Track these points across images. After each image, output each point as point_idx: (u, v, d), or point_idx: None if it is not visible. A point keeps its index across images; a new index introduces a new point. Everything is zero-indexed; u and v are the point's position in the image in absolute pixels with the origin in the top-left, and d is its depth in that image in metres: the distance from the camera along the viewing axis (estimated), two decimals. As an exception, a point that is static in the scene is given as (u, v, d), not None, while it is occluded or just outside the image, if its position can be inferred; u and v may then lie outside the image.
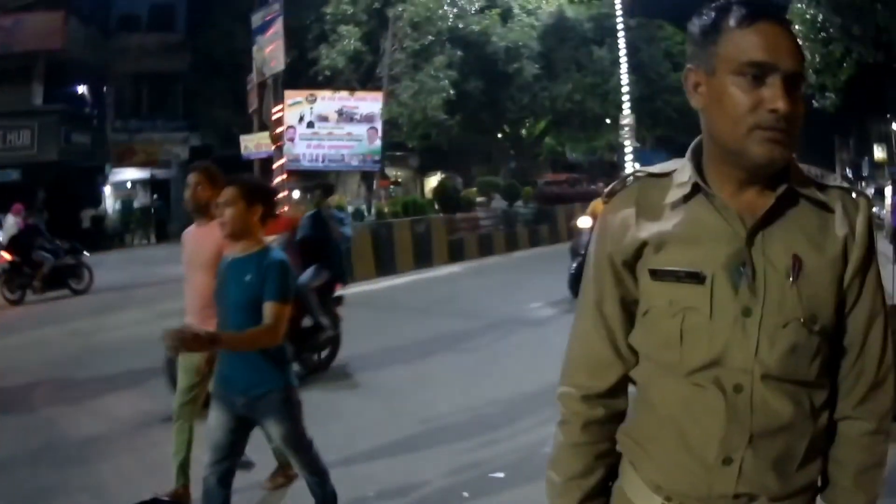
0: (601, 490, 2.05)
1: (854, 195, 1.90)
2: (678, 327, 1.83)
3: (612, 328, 1.97)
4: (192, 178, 5.59)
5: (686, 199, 1.87)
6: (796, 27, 19.57)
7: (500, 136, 38.31)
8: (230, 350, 4.31)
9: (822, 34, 19.78)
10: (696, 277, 1.80)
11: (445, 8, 28.73)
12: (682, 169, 1.92)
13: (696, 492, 1.86)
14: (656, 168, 1.99)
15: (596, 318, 1.99)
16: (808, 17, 19.72)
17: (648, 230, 1.88)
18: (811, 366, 1.82)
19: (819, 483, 1.97)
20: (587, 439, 2.01)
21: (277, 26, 19.56)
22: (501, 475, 6.08)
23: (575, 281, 13.70)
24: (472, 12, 30.38)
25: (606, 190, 2.02)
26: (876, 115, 69.46)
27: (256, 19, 20.63)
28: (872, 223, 1.90)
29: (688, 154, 1.94)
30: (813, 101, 20.93)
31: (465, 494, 5.83)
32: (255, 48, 20.53)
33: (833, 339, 1.89)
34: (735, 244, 1.80)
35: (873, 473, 1.95)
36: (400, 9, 27.74)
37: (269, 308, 4.14)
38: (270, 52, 19.85)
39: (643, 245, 1.88)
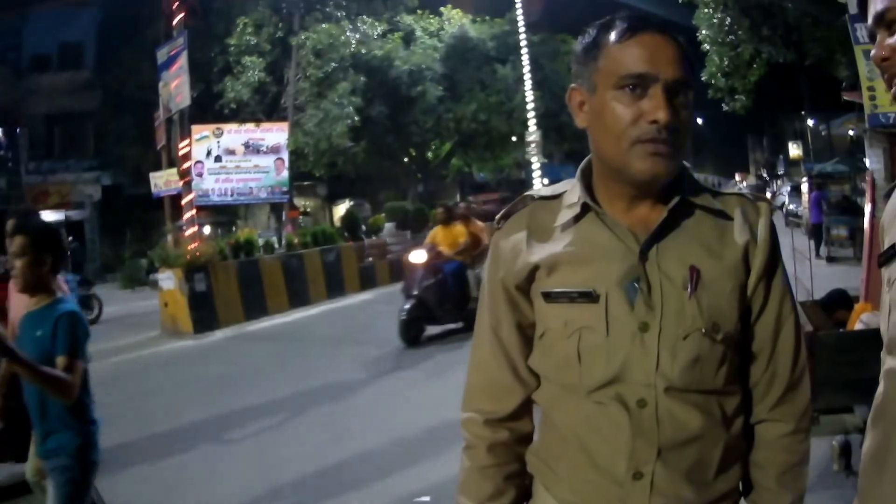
0: None
1: (754, 200, 1.97)
2: (575, 347, 1.87)
3: (510, 353, 2.02)
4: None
5: (577, 219, 1.92)
6: (703, 32, 20.35)
7: (406, 160, 38.71)
8: (27, 379, 3.93)
9: (731, 37, 20.18)
10: (589, 297, 1.85)
11: (348, 34, 29.32)
12: (571, 190, 1.98)
13: None
14: (546, 191, 2.04)
15: (494, 344, 2.04)
16: (714, 21, 20.11)
17: (540, 253, 1.93)
18: (717, 374, 1.87)
19: (742, 488, 2.06)
20: (494, 461, 2.06)
21: (182, 61, 19.81)
22: (427, 499, 6.30)
23: (407, 327, 13.33)
24: (375, 37, 30.96)
25: (498, 216, 2.08)
26: (790, 112, 71.58)
27: (162, 54, 20.84)
28: (774, 227, 1.97)
29: (577, 174, 1.99)
30: (722, 105, 21.64)
31: None
32: (161, 84, 20.74)
33: (741, 346, 1.96)
34: (628, 260, 1.84)
35: (796, 472, 2.03)
36: (303, 37, 28.23)
37: (59, 363, 3.86)
38: (176, 86, 20.09)
39: (535, 268, 1.93)
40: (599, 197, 1.92)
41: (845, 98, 19.17)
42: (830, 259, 22.69)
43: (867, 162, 12.70)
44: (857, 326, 6.76)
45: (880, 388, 1.76)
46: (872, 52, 1.62)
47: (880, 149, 11.97)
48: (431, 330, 13.75)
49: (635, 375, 1.82)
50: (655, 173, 1.78)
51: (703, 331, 1.81)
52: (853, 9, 12.34)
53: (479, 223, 15.01)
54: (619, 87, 1.78)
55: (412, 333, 13.29)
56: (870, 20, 1.61)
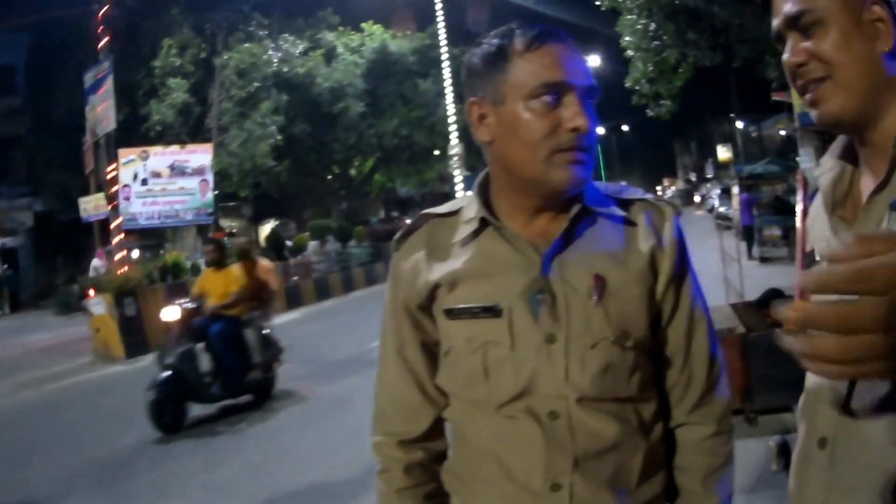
0: None
1: (659, 205, 2.00)
2: (481, 363, 1.87)
3: (417, 373, 2.03)
4: None
5: (475, 234, 1.92)
6: (626, 38, 20.62)
7: (329, 177, 39.45)
8: None
9: (655, 43, 20.31)
10: (491, 311, 1.85)
11: (270, 53, 30.13)
12: (469, 205, 1.98)
13: None
14: (444, 208, 2.05)
15: (400, 365, 2.05)
16: (638, 27, 20.27)
17: (440, 271, 1.94)
18: (630, 382, 1.89)
19: (667, 493, 2.08)
20: (412, 482, 2.06)
21: (108, 84, 20.12)
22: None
23: (158, 409, 9.71)
24: (297, 55, 31.76)
25: (396, 236, 2.09)
26: (718, 115, 73.18)
27: (89, 78, 21.12)
28: (682, 231, 1.99)
29: (474, 189, 1.99)
30: (647, 111, 21.75)
31: None
32: (87, 108, 21.01)
33: (653, 352, 1.98)
34: (530, 273, 1.85)
35: (722, 474, 2.05)
36: (226, 57, 28.82)
37: None
38: (102, 110, 20.36)
39: (436, 287, 1.93)
40: (499, 211, 1.94)
41: (775, 99, 19.88)
42: (764, 260, 23.43)
43: (799, 161, 13.68)
44: None
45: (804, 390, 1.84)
46: (784, 56, 1.62)
47: (811, 147, 12.74)
48: (201, 409, 10.54)
49: (545, 388, 1.84)
50: (576, 181, 1.82)
51: (612, 339, 1.84)
52: None
53: (266, 263, 12.14)
54: (533, 97, 1.79)
55: (167, 418, 9.79)
56: (778, 21, 1.64)
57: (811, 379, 1.78)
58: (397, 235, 2.09)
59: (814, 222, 1.88)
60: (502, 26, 1.90)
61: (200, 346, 10.40)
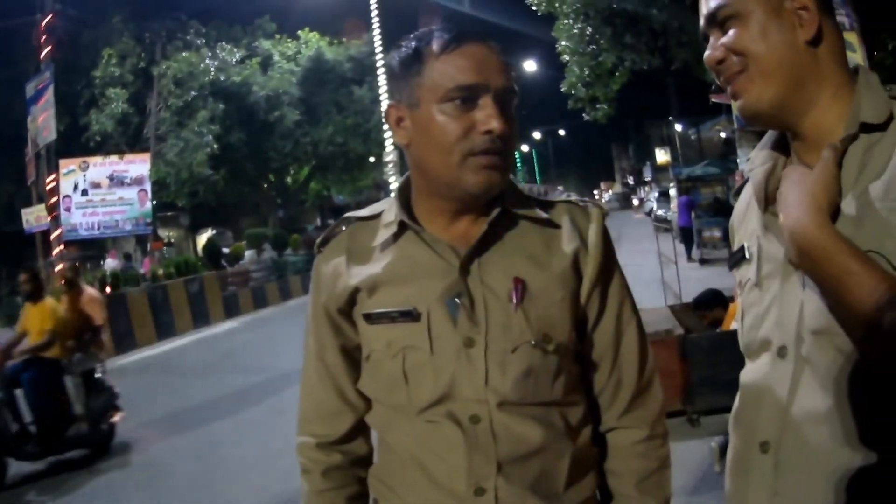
0: None
1: (584, 206, 2.01)
2: (401, 368, 1.88)
3: (336, 377, 2.05)
4: None
5: (395, 237, 1.94)
6: (563, 43, 20.78)
7: (265, 185, 39.71)
8: None
9: (592, 47, 20.47)
10: (410, 315, 1.86)
11: (207, 62, 30.42)
12: (389, 208, 1.99)
13: None
14: (365, 211, 2.06)
15: (320, 369, 2.07)
16: (575, 31, 20.43)
17: (359, 275, 1.94)
18: (554, 386, 1.90)
19: (601, 497, 2.10)
20: (332, 485, 2.08)
21: (49, 94, 20.35)
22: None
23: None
24: (234, 63, 32.15)
25: (318, 240, 2.10)
26: (656, 118, 73.68)
27: (30, 88, 21.34)
28: (607, 233, 1.99)
29: (394, 193, 2.01)
30: (583, 114, 21.96)
31: None
32: (29, 118, 21.18)
33: (579, 356, 2.00)
34: (449, 276, 1.86)
35: (657, 478, 2.05)
36: (164, 66, 29.08)
37: None
38: (43, 120, 20.58)
39: (356, 291, 1.94)
40: (419, 214, 1.95)
41: (714, 101, 19.18)
42: (704, 261, 23.78)
43: (739, 162, 14.30)
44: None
45: (738, 393, 1.87)
46: (706, 54, 1.65)
47: (750, 148, 13.35)
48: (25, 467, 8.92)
49: (465, 392, 1.85)
50: (490, 185, 1.82)
51: (533, 342, 1.85)
52: None
53: (92, 292, 10.60)
54: (447, 99, 1.79)
55: None
56: (702, 21, 1.67)
57: (748, 382, 1.83)
58: (319, 239, 2.10)
59: (743, 218, 1.94)
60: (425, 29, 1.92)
61: (7, 395, 8.64)
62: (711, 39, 1.68)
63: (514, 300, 1.86)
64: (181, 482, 8.16)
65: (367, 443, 2.14)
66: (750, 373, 1.84)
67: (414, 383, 1.89)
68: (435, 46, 1.83)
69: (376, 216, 2.03)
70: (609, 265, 2.01)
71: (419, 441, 1.92)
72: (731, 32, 1.63)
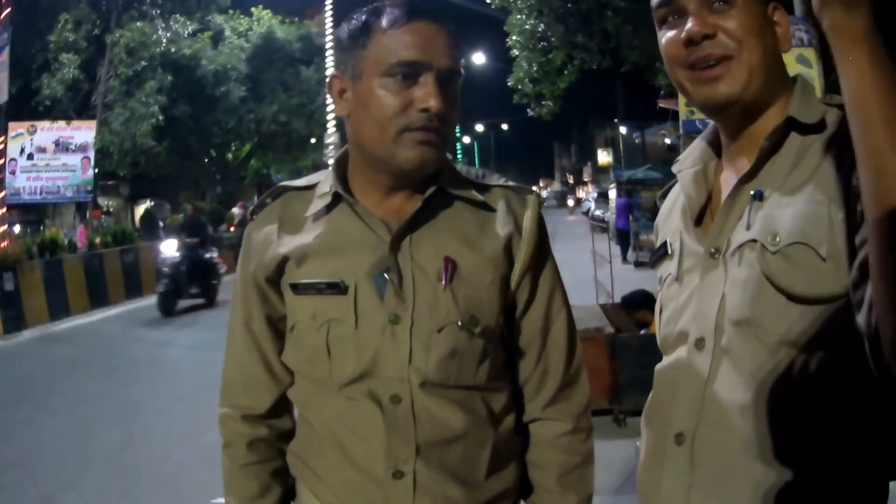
0: None
1: (520, 193, 2.04)
2: (324, 340, 1.90)
3: (262, 347, 2.06)
4: None
5: (329, 209, 1.97)
6: (514, 38, 21.19)
7: (207, 160, 39.73)
8: None
9: (543, 44, 20.84)
10: (337, 288, 1.88)
11: (160, 33, 30.47)
12: (325, 180, 2.03)
13: None
14: (301, 181, 2.10)
15: (246, 338, 2.08)
16: (527, 27, 20.83)
17: (289, 245, 1.96)
18: (479, 370, 1.92)
19: (523, 488, 2.13)
20: (256, 458, 2.09)
21: (4, 56, 20.06)
22: (221, 500, 7.20)
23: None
24: (186, 36, 32.17)
25: (251, 207, 2.13)
26: (601, 119, 73.40)
27: None
28: (542, 221, 2.02)
29: (332, 164, 2.03)
30: (528, 110, 22.24)
31: None
32: None
33: (505, 341, 2.04)
34: (379, 251, 1.88)
35: (580, 473, 2.08)
36: (117, 35, 29.10)
37: None
38: None
39: (285, 260, 1.96)
40: (354, 188, 1.98)
41: (661, 106, 20.37)
42: (639, 264, 24.21)
43: None
44: None
45: (653, 387, 1.91)
46: (689, 25, 1.66)
47: None
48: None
49: (387, 370, 1.87)
50: (423, 161, 1.86)
51: (460, 324, 1.87)
52: None
53: None
54: (388, 74, 1.82)
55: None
56: None
57: (663, 375, 1.88)
58: (252, 207, 2.12)
59: (667, 216, 2.01)
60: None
61: None
62: (694, 16, 1.69)
63: (443, 280, 1.88)
64: (102, 451, 8.24)
65: (292, 418, 2.14)
66: (665, 366, 1.91)
67: (336, 357, 1.91)
68: (384, 21, 1.86)
69: (311, 187, 2.06)
70: (542, 253, 2.03)
71: (339, 419, 1.94)
72: (730, 14, 1.66)
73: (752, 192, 1.68)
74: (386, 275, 1.87)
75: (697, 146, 1.94)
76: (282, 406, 2.12)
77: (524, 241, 1.97)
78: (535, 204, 2.01)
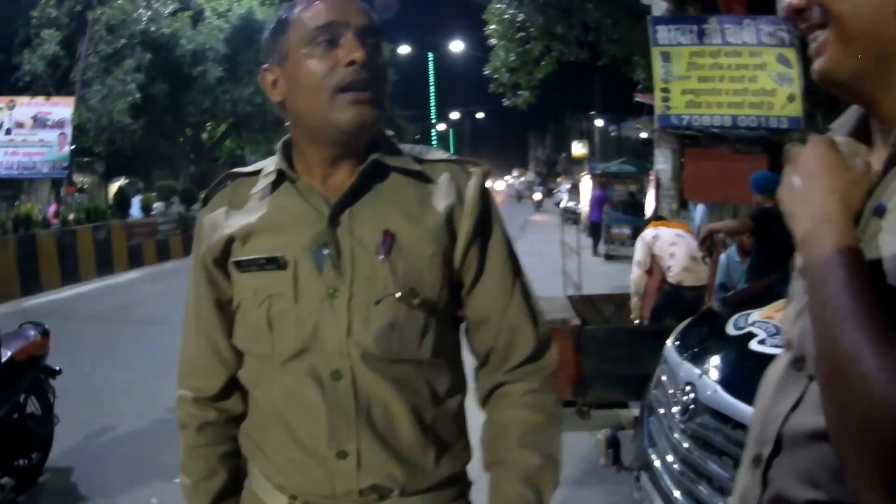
0: (231, 490, 2.19)
1: (464, 164, 2.07)
2: (265, 315, 1.94)
3: (210, 332, 2.11)
4: None
5: (274, 187, 2.02)
6: (492, 27, 21.18)
7: (181, 139, 39.84)
8: None
9: (521, 34, 20.78)
10: (276, 263, 1.92)
11: (141, 11, 30.46)
12: (270, 163, 2.07)
13: (319, 489, 1.95)
14: (249, 168, 2.14)
15: (196, 323, 2.13)
16: (506, 16, 20.78)
17: (235, 225, 2.00)
18: (422, 344, 1.95)
19: (483, 462, 2.14)
20: (205, 441, 2.15)
21: None
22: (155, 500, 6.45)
23: None
24: (166, 15, 32.13)
25: (202, 194, 2.17)
26: (577, 111, 71.86)
27: None
28: (487, 192, 2.04)
29: (278, 147, 2.08)
30: (504, 99, 22.22)
31: (154, 501, 6.39)
32: None
33: (454, 318, 2.08)
34: (319, 226, 1.92)
35: (543, 433, 2.06)
36: (99, 12, 28.97)
37: None
38: None
39: (231, 240, 2.00)
40: (298, 168, 2.03)
41: (637, 100, 20.47)
42: (609, 257, 24.44)
43: (655, 162, 13.95)
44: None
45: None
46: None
47: (669, 150, 13.47)
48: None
49: (327, 343, 1.90)
50: (362, 121, 1.89)
51: (398, 296, 1.89)
52: (657, 11, 13.60)
53: None
54: (310, 42, 1.89)
55: None
56: None
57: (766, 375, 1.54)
58: (203, 194, 2.16)
59: None
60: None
61: None
62: None
63: (382, 253, 1.90)
64: (67, 428, 8.00)
65: (243, 401, 2.16)
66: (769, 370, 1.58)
67: (278, 332, 1.94)
68: (297, 7, 1.94)
69: (258, 171, 2.10)
70: (487, 223, 2.04)
71: (283, 397, 1.97)
72: None
73: (873, 207, 1.35)
74: (325, 249, 1.92)
75: (844, 124, 1.59)
76: (231, 389, 2.15)
77: (466, 212, 1.99)
78: (479, 174, 2.04)
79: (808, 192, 1.34)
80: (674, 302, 9.24)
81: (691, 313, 8.10)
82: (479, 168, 2.06)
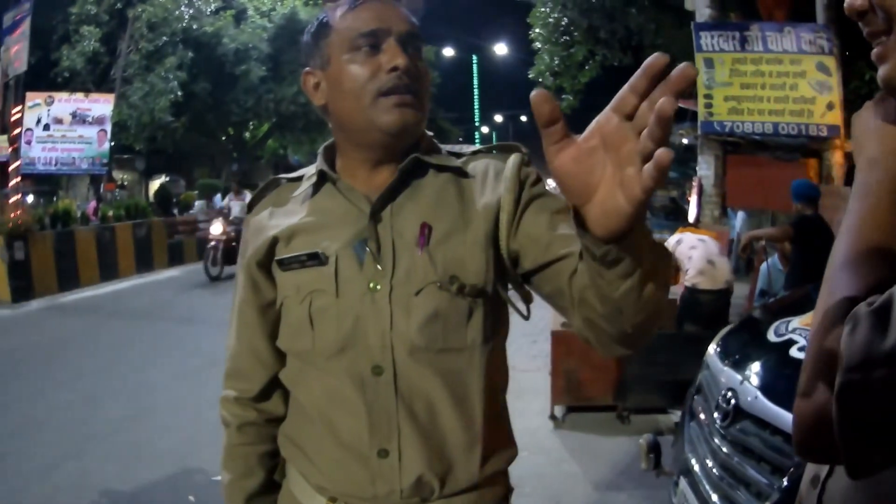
0: (267, 489, 2.22)
1: (503, 151, 2.10)
2: (307, 312, 1.95)
3: (251, 336, 2.14)
4: None
5: (316, 189, 2.04)
6: (537, 30, 21.32)
7: (224, 138, 39.83)
8: None
9: (565, 38, 21.08)
10: (317, 258, 1.94)
11: (182, 9, 30.42)
12: (313, 167, 2.10)
13: (361, 491, 1.94)
14: (293, 174, 2.19)
15: (238, 325, 2.17)
16: (550, 20, 21.02)
17: (279, 227, 2.03)
18: (468, 329, 1.93)
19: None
20: (244, 441, 2.18)
21: (25, 26, 20.52)
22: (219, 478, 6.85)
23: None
24: (208, 13, 32.22)
25: (248, 201, 2.22)
26: None
27: (7, 18, 21.42)
28: (526, 167, 2.02)
29: (320, 151, 2.11)
30: None
31: (192, 499, 6.38)
32: (2, 48, 21.33)
33: (496, 300, 1.99)
34: (360, 222, 1.94)
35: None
36: (139, 9, 29.00)
37: None
38: (16, 52, 20.80)
39: (275, 241, 2.03)
40: (340, 171, 2.04)
41: (680, 106, 21.74)
42: None
43: (698, 169, 14.23)
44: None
45: None
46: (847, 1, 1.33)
47: (712, 156, 13.65)
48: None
49: (369, 337, 1.90)
50: (404, 122, 1.90)
51: (439, 284, 1.88)
52: (700, 17, 13.69)
53: None
54: (353, 48, 1.91)
55: None
56: None
57: None
58: (249, 200, 2.21)
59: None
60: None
61: None
62: None
63: (420, 243, 1.91)
64: (105, 423, 8.31)
65: (284, 403, 2.19)
66: None
67: (319, 328, 1.96)
68: (339, 9, 1.96)
69: (302, 176, 2.15)
70: (536, 191, 1.98)
71: (325, 395, 1.98)
72: None
73: None
74: (365, 243, 1.93)
75: None
76: (271, 391, 2.17)
77: (506, 189, 1.96)
78: (517, 158, 2.03)
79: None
80: (690, 306, 9.34)
81: (710, 318, 8.88)
82: (517, 153, 2.05)
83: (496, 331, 2.01)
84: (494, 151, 2.11)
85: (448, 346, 1.92)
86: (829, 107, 12.20)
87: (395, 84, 1.88)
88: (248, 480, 2.20)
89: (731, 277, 9.36)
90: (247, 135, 41.14)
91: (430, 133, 2.12)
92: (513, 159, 2.01)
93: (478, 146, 2.14)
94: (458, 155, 2.09)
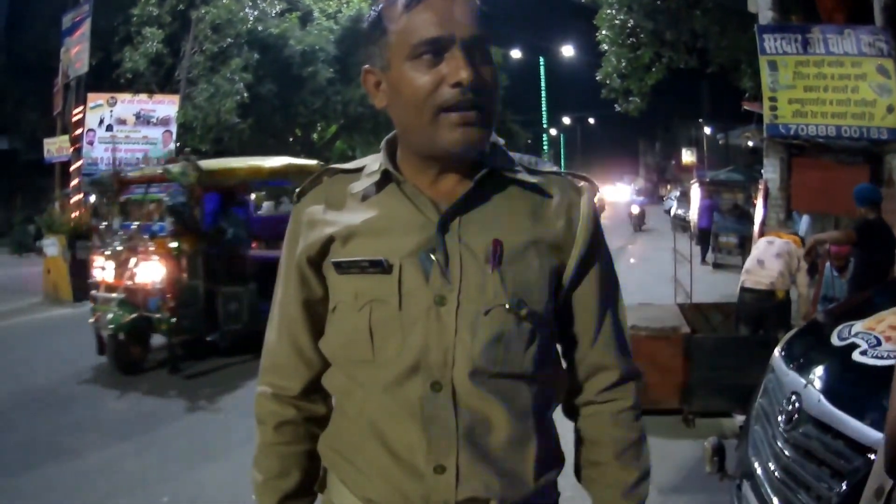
0: (302, 491, 2.10)
1: (574, 180, 1.98)
2: (366, 322, 1.82)
3: (294, 332, 2.01)
4: None
5: (378, 188, 1.90)
6: (603, 32, 20.92)
7: (291, 139, 39.51)
8: None
9: (631, 39, 20.62)
10: (380, 266, 1.80)
11: (247, 10, 30.13)
12: (373, 161, 1.96)
13: None
14: (350, 165, 2.03)
15: (280, 321, 2.04)
16: (616, 22, 20.55)
17: (336, 224, 1.89)
18: (525, 356, 1.83)
19: (575, 470, 2.11)
20: (281, 440, 2.05)
21: (85, 27, 20.67)
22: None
23: None
24: (273, 15, 31.84)
25: (298, 189, 2.05)
26: (686, 119, 74.42)
27: (67, 20, 21.73)
28: (595, 208, 1.96)
29: (382, 146, 1.95)
30: (616, 105, 21.92)
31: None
32: (62, 49, 21.54)
33: (555, 330, 1.96)
34: (427, 231, 1.81)
35: (637, 449, 2.03)
36: (203, 11, 28.74)
37: None
38: (76, 53, 20.95)
39: (330, 240, 1.89)
40: (403, 169, 1.91)
41: (745, 108, 20.26)
42: (717, 265, 24.20)
43: (763, 172, 13.99)
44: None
45: None
46: None
47: (777, 159, 13.26)
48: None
49: (431, 354, 1.78)
50: (467, 143, 1.78)
51: (507, 307, 1.79)
52: (764, 20, 13.46)
53: None
54: (413, 56, 1.76)
55: None
56: None
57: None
58: (299, 189, 2.05)
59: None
60: None
61: None
62: None
63: (491, 261, 1.81)
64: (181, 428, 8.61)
65: (325, 403, 2.10)
66: None
67: (379, 340, 1.83)
68: (400, 5, 1.79)
69: (360, 169, 2.00)
70: (596, 241, 1.97)
71: (380, 407, 1.86)
72: None
73: None
74: (432, 255, 1.80)
75: None
76: (312, 390, 2.06)
77: (578, 228, 1.91)
78: (590, 191, 1.96)
79: None
80: (739, 304, 9.57)
81: (757, 320, 9.20)
82: (588, 185, 1.98)
83: (551, 357, 1.96)
84: (567, 178, 2.00)
85: (505, 370, 1.82)
86: (889, 109, 12.03)
87: (459, 100, 1.74)
88: (283, 481, 2.08)
89: (777, 280, 9.19)
90: (314, 136, 41.01)
91: (502, 141, 1.99)
92: (588, 196, 1.95)
93: (551, 166, 2.03)
94: (532, 170, 1.96)
